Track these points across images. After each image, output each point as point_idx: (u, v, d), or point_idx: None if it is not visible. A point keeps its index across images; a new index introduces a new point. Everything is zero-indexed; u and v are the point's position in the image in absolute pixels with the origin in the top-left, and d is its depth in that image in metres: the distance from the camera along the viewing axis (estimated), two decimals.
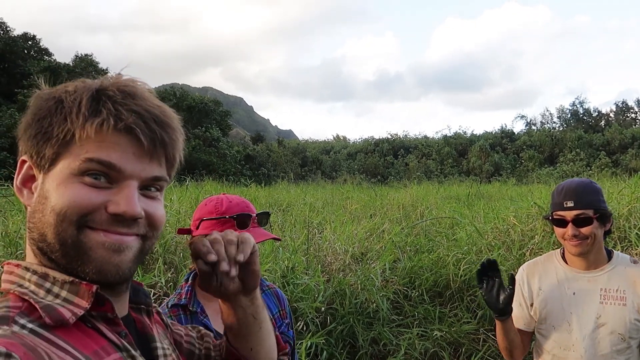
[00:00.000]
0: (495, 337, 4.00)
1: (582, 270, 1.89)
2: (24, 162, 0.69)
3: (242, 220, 1.49)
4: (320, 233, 5.78)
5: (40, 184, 0.68)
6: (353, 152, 50.67)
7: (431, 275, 4.81)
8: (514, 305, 2.05)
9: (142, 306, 0.80)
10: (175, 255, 4.13)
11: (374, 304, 4.09)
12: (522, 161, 41.62)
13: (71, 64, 35.75)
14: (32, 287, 0.65)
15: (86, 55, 38.02)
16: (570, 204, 1.79)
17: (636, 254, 4.03)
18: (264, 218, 1.60)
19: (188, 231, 1.58)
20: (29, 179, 0.69)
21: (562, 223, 1.82)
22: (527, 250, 4.88)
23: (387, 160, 46.07)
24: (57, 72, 30.28)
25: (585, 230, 1.77)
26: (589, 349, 1.82)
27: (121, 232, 0.68)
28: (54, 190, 0.66)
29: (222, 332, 1.45)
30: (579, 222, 1.78)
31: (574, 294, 1.88)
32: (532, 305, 1.98)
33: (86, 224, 0.65)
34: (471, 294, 4.58)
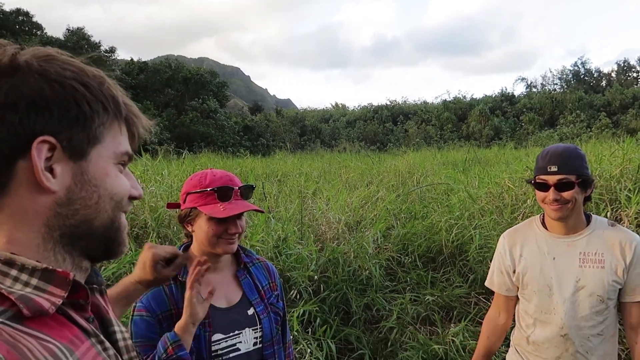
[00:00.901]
0: (485, 300, 4.09)
1: (562, 235, 1.91)
2: (45, 142, 0.62)
3: (223, 193, 1.52)
4: (314, 203, 5.81)
5: (78, 169, 0.66)
6: (352, 120, 50.34)
7: (424, 241, 4.87)
8: (496, 272, 2.08)
9: (95, 286, 0.76)
10: (169, 229, 4.17)
11: (367, 271, 4.15)
12: (522, 124, 41.37)
13: (63, 38, 35.13)
14: None
15: (78, 28, 37.28)
16: (553, 168, 1.80)
17: (626, 216, 4.06)
18: (248, 191, 1.61)
19: (177, 205, 1.62)
20: (46, 162, 0.64)
21: (544, 187, 1.83)
22: (520, 214, 4.91)
23: (386, 127, 45.82)
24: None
25: (566, 194, 1.78)
26: (569, 311, 1.86)
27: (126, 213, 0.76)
28: (104, 178, 0.68)
29: (212, 303, 1.50)
30: (560, 186, 1.78)
31: (554, 258, 1.91)
32: (514, 272, 2.01)
33: (123, 208, 0.73)
34: (463, 258, 4.64)
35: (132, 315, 1.47)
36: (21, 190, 0.63)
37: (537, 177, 1.86)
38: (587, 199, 1.89)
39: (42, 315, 0.60)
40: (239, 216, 1.53)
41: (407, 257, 4.69)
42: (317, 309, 3.62)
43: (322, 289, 3.87)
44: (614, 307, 1.88)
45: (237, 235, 1.54)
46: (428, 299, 4.08)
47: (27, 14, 37.94)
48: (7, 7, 36.16)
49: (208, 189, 1.50)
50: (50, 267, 0.62)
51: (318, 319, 3.59)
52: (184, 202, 1.55)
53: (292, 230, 4.33)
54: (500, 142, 31.65)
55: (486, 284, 2.18)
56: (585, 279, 1.84)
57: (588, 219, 1.92)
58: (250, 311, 1.58)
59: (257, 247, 3.85)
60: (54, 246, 0.66)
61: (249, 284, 1.63)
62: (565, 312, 1.86)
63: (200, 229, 1.51)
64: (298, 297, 3.69)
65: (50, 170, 0.63)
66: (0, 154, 0.61)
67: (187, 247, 1.62)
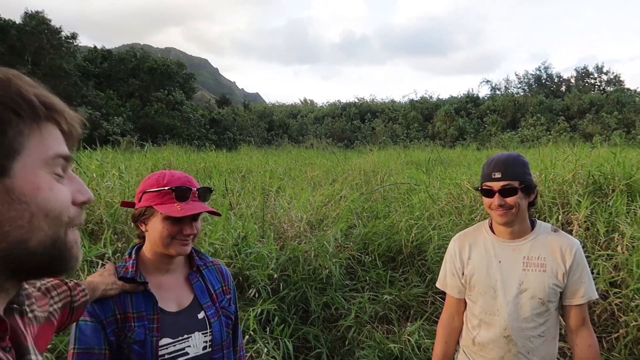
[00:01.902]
0: (442, 299, 4.19)
1: (508, 240, 1.99)
2: None
3: (181, 193, 1.50)
4: (277, 200, 5.80)
5: (2, 188, 0.58)
6: (320, 116, 50.50)
7: (385, 240, 4.93)
8: (449, 275, 2.15)
9: (15, 305, 0.71)
10: (125, 225, 4.07)
11: (327, 270, 4.18)
12: (486, 125, 42.43)
13: (20, 22, 33.67)
14: None
15: (37, 12, 35.78)
16: (497, 175, 1.88)
17: (575, 219, 4.23)
18: (205, 193, 1.60)
19: (131, 204, 1.59)
20: None
21: (489, 193, 1.91)
22: (477, 214, 5.04)
23: (354, 125, 46.13)
24: (5, 31, 28.48)
25: (510, 200, 1.86)
26: (511, 313, 1.93)
27: (80, 224, 0.68)
28: (34, 193, 0.60)
29: (162, 307, 1.48)
30: (504, 192, 1.87)
31: (499, 262, 1.98)
32: (463, 274, 2.08)
33: (72, 223, 0.65)
34: (421, 258, 4.73)
35: (77, 321, 1.44)
36: None
37: (483, 184, 1.95)
38: (531, 204, 1.98)
39: None
40: (194, 217, 1.52)
41: (367, 256, 4.74)
42: (276, 307, 3.62)
43: (281, 287, 3.87)
44: (555, 310, 1.96)
45: (191, 236, 1.52)
46: (386, 298, 4.14)
47: None
48: None
49: (166, 188, 1.48)
50: None
51: (276, 318, 3.59)
52: (140, 200, 1.52)
53: (253, 228, 4.31)
54: (464, 143, 32.39)
55: (438, 285, 2.23)
56: (527, 282, 1.92)
57: (533, 225, 2.01)
58: (201, 315, 1.56)
59: (217, 245, 3.82)
60: None
61: (200, 287, 1.62)
62: (508, 314, 1.93)
63: (155, 228, 1.49)
64: (257, 295, 3.68)
65: None
66: None
67: (139, 249, 1.59)
